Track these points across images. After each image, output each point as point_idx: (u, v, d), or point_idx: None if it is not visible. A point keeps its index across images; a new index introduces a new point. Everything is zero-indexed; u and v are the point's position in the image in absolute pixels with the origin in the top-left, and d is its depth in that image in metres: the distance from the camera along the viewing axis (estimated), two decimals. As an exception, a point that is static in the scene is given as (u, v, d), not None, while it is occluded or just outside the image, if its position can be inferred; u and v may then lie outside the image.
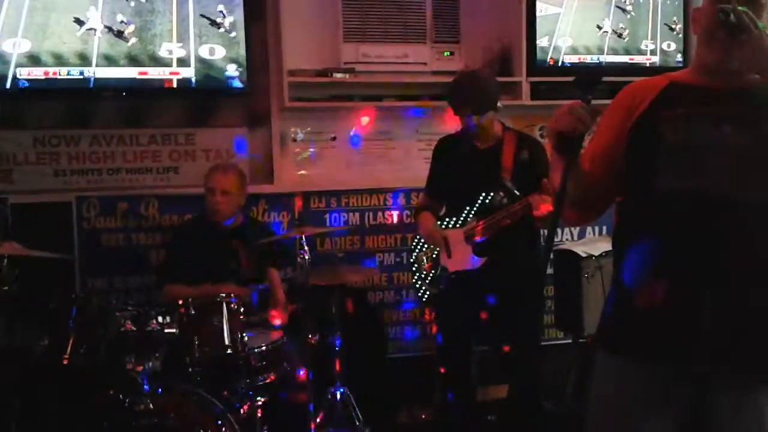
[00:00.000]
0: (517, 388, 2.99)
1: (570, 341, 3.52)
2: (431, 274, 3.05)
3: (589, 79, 1.54)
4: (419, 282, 3.10)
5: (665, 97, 1.55)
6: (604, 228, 3.97)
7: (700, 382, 1.47)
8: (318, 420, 2.99)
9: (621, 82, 1.73)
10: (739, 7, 1.44)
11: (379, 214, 3.97)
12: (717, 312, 1.45)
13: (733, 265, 1.45)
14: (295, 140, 3.90)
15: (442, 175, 3.06)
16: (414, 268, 3.13)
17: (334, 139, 3.95)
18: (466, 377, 3.04)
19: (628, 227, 1.61)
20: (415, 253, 3.14)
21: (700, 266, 1.46)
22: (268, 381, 2.75)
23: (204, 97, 3.76)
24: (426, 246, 3.09)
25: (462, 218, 2.92)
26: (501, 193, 2.78)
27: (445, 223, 2.99)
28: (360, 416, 3.06)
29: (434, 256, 3.05)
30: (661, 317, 1.50)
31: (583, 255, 3.35)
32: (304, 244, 2.95)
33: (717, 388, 1.47)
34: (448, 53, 3.98)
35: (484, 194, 2.85)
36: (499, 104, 2.89)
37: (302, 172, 3.92)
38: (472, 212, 2.89)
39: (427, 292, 3.06)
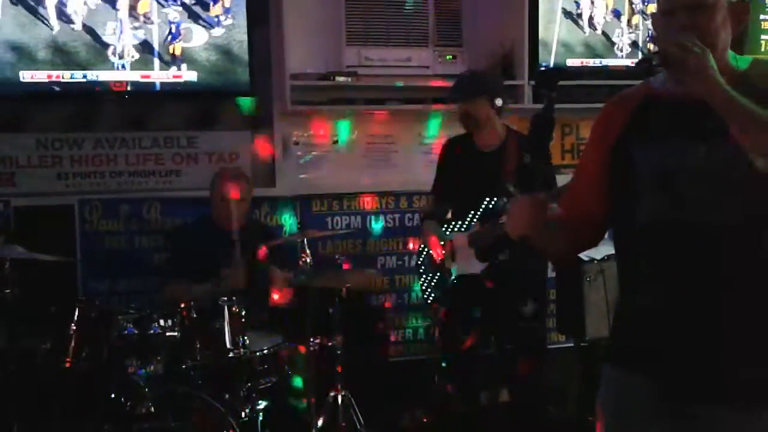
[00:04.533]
0: (517, 391, 3.00)
1: (572, 345, 3.51)
2: (436, 278, 3.06)
3: (549, 78, 1.50)
4: (425, 285, 3.11)
5: (641, 117, 1.50)
6: (606, 232, 3.96)
7: (681, 406, 1.45)
8: (319, 423, 2.99)
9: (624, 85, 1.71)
10: (672, 40, 1.36)
11: (381, 217, 3.97)
12: (708, 340, 1.42)
13: (718, 292, 1.42)
14: (297, 143, 3.90)
15: (448, 176, 3.06)
16: (420, 271, 3.14)
17: (336, 142, 3.96)
18: (468, 380, 3.04)
19: (619, 249, 1.59)
20: (421, 258, 3.15)
21: (686, 297, 1.44)
22: (269, 384, 2.76)
23: (206, 100, 3.76)
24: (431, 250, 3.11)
25: (467, 223, 2.92)
26: (504, 199, 2.78)
27: (450, 227, 3.00)
28: (361, 419, 3.06)
29: (439, 260, 3.05)
30: (650, 338, 1.49)
31: (585, 259, 3.34)
32: (306, 247, 2.95)
33: (716, 413, 1.43)
34: (451, 57, 3.98)
35: (488, 199, 2.85)
36: (498, 101, 2.88)
37: (304, 175, 3.92)
38: (476, 217, 2.89)
39: (432, 295, 3.08)
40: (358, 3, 3.83)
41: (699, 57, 1.34)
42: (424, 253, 3.15)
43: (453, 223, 3.00)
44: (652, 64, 1.39)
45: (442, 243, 3.00)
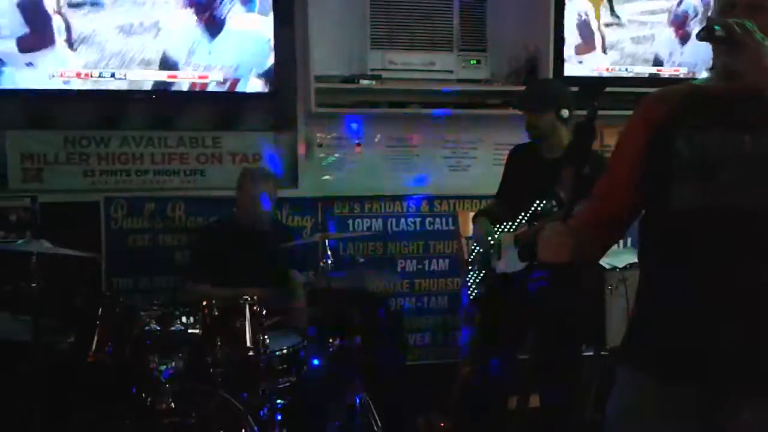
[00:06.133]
0: (552, 396, 2.98)
1: (591, 353, 3.48)
2: (482, 274, 3.07)
3: (593, 87, 1.54)
4: (471, 281, 3.13)
5: (685, 107, 1.52)
6: (629, 240, 3.92)
7: (719, 402, 1.45)
8: (336, 425, 2.99)
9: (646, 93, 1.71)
10: (731, 20, 1.40)
11: (402, 220, 3.97)
12: (737, 332, 1.42)
13: (753, 283, 1.42)
14: (320, 145, 3.93)
15: (510, 182, 3.11)
16: (470, 267, 3.16)
17: (359, 145, 3.97)
18: (496, 380, 3.03)
19: (649, 243, 1.59)
20: (473, 254, 3.17)
21: (720, 286, 1.44)
22: (287, 384, 2.77)
23: (231, 101, 3.80)
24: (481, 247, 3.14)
25: (516, 224, 2.95)
26: (553, 202, 2.79)
27: (501, 227, 3.02)
28: (378, 422, 3.06)
29: (487, 257, 3.08)
30: (679, 336, 1.49)
31: (607, 267, 3.31)
32: (327, 248, 2.96)
33: (738, 407, 1.44)
34: (474, 62, 3.98)
35: (537, 202, 2.87)
36: (564, 113, 2.89)
37: (327, 177, 3.94)
38: (525, 218, 2.91)
39: (476, 291, 3.09)
40: (383, 7, 3.85)
41: (748, 31, 1.37)
42: (476, 249, 3.17)
43: (504, 224, 3.02)
44: (715, 34, 1.41)
45: (491, 241, 3.02)
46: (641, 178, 1.55)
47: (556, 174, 2.82)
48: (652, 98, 1.61)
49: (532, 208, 2.88)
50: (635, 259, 3.38)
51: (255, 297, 2.70)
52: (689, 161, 1.46)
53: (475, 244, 3.18)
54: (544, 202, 2.84)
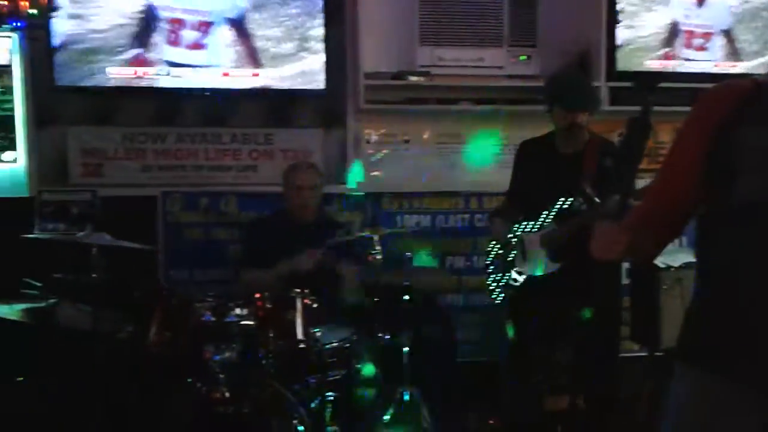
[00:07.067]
0: (592, 399, 2.94)
1: (645, 354, 3.42)
2: (505, 277, 3.03)
3: (648, 81, 1.51)
4: (494, 284, 3.09)
5: (751, 100, 1.48)
6: (684, 239, 3.83)
7: None
8: (385, 419, 3.01)
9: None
10: None
11: (451, 217, 3.97)
12: None
13: None
14: (369, 142, 3.95)
15: (524, 177, 3.05)
16: (489, 270, 3.12)
17: (407, 141, 3.98)
18: (533, 383, 3.01)
19: (709, 239, 1.55)
20: (491, 256, 3.13)
21: None
22: (337, 377, 2.80)
23: (283, 99, 3.85)
24: (502, 249, 3.09)
25: (540, 223, 2.89)
26: (580, 199, 2.74)
27: (522, 227, 2.98)
28: (427, 417, 3.06)
29: (509, 259, 3.03)
30: (740, 332, 1.46)
31: (662, 266, 3.25)
32: (377, 244, 2.98)
33: None
34: (524, 57, 3.94)
35: (563, 200, 2.81)
36: None
37: (375, 173, 3.96)
38: (550, 217, 2.86)
39: (501, 295, 3.05)
40: (431, 2, 3.84)
41: None
42: (494, 252, 3.13)
43: (525, 223, 2.97)
44: None
45: (513, 243, 2.98)
46: (702, 173, 1.52)
47: (574, 170, 2.78)
48: (713, 92, 1.57)
49: (557, 206, 2.82)
50: (691, 259, 3.33)
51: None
52: (756, 154, 1.43)
53: (492, 246, 3.12)
54: (572, 199, 2.78)
